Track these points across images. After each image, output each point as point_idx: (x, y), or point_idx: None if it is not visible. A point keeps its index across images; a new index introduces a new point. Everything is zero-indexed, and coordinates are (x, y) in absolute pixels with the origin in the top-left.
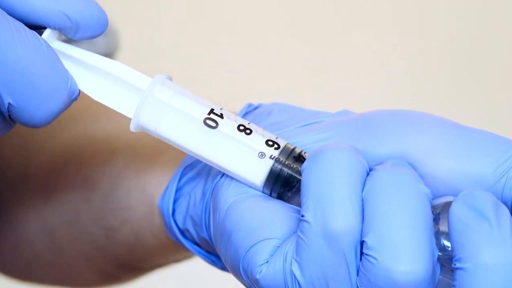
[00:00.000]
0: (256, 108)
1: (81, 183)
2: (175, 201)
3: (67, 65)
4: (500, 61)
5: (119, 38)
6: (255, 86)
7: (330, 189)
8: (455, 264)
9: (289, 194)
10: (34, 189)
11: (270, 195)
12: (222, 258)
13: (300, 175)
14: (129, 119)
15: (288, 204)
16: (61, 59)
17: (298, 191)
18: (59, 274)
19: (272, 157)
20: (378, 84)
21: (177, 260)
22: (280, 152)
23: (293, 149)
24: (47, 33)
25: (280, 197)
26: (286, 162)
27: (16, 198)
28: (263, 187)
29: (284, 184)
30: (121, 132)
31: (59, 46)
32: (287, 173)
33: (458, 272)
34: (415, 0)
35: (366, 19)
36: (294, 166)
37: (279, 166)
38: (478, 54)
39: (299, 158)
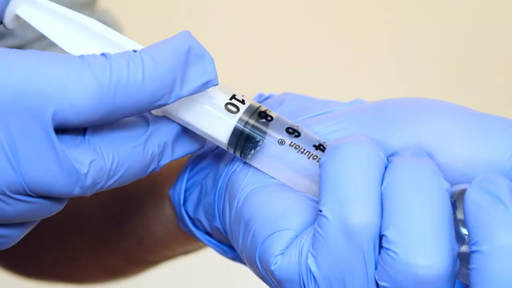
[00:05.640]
0: (267, 98)
1: None
2: (186, 191)
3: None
4: (500, 61)
5: (123, 33)
6: (255, 81)
7: (348, 184)
8: (471, 248)
9: (253, 151)
10: None
11: (234, 152)
12: (238, 247)
13: (262, 132)
14: None
15: (305, 194)
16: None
17: (261, 149)
18: (64, 270)
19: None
20: (378, 80)
21: (186, 252)
22: (245, 111)
23: (258, 107)
24: None
25: (243, 154)
26: (250, 121)
27: None
28: (228, 144)
29: (247, 141)
30: None
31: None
32: (250, 131)
33: (474, 255)
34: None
35: (369, 15)
36: (258, 125)
37: (243, 125)
38: (478, 52)
39: (264, 116)
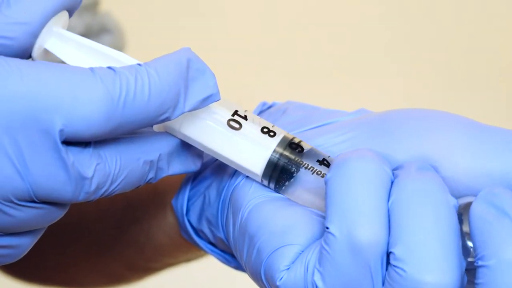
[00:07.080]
0: (270, 106)
1: None
2: (188, 200)
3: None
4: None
5: (125, 36)
6: (259, 86)
7: (355, 201)
8: (477, 262)
9: (287, 183)
10: None
11: (269, 184)
12: (242, 260)
13: (297, 164)
14: None
15: (310, 208)
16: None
17: (296, 180)
18: (66, 275)
19: (274, 149)
20: (381, 86)
21: (188, 260)
22: (279, 143)
23: (292, 139)
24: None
25: (278, 186)
26: (284, 153)
27: None
28: (262, 176)
29: (281, 173)
30: None
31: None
32: (285, 162)
33: (481, 270)
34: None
35: (370, 21)
36: (293, 157)
37: (277, 156)
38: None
39: (297, 147)
